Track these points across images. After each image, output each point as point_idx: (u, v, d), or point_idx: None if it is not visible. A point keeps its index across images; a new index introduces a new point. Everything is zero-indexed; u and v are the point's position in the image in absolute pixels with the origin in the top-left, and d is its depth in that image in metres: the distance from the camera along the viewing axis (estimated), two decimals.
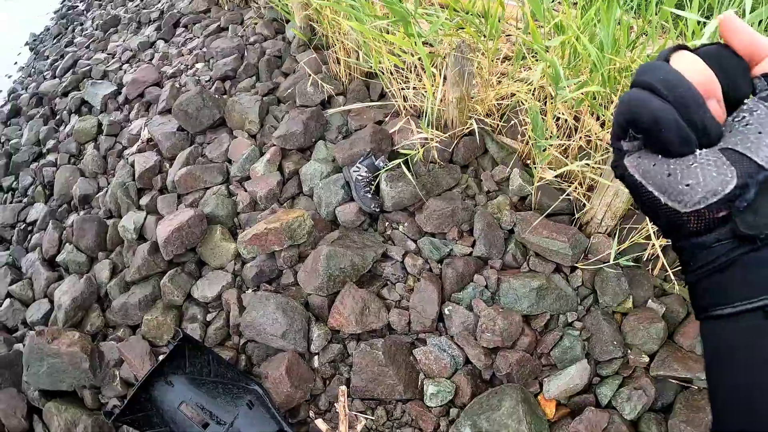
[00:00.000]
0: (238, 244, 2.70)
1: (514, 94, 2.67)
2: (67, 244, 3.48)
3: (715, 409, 0.39)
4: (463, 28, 2.54)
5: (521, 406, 2.16)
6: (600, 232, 2.44)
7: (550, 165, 2.55)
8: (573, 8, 2.46)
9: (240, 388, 2.39)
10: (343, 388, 2.35)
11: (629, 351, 2.30)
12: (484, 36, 2.52)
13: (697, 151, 0.38)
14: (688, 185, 0.38)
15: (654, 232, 2.29)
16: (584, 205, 2.47)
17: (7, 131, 6.03)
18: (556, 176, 2.47)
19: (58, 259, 3.41)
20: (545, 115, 2.45)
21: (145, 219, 3.23)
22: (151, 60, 5.21)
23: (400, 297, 2.50)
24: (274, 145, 3.08)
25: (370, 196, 2.61)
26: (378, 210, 2.62)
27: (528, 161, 2.68)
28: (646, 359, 2.28)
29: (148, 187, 3.50)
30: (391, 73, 2.94)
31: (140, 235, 3.20)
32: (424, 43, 2.72)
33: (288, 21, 3.91)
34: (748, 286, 0.36)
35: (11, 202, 4.70)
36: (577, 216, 2.52)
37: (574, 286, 2.44)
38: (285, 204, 2.91)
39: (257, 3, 4.65)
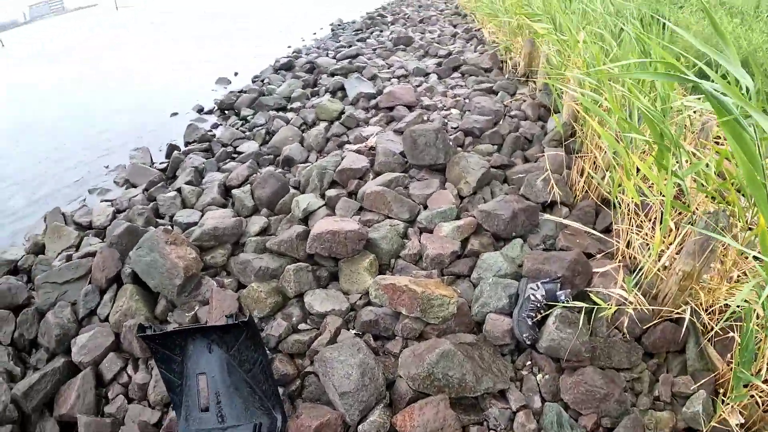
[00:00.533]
0: (373, 282, 2.43)
1: (748, 302, 2.04)
2: (248, 185, 3.58)
3: None
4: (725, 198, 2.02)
5: None
6: None
7: (742, 409, 1.87)
8: None
9: (263, 406, 2.09)
10: None
11: None
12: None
13: None
14: None
15: None
16: None
17: (273, 77, 6.86)
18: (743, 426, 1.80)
19: (234, 192, 3.52)
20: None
21: (318, 208, 3.18)
22: (417, 86, 5.35)
23: None
24: (474, 216, 2.79)
25: (530, 323, 2.16)
26: (529, 343, 2.16)
27: (723, 389, 2.01)
28: None
29: (342, 184, 3.46)
30: (629, 212, 2.47)
31: (306, 218, 3.13)
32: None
33: (556, 111, 3.64)
34: None
35: (237, 128, 5.13)
36: None
37: None
38: (446, 277, 2.59)
39: (536, 84, 4.47)
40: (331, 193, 3.29)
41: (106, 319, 2.76)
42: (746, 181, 1.61)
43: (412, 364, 2.11)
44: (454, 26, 9.27)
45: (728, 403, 1.85)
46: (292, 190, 3.45)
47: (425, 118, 4.08)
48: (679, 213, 2.35)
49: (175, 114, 6.33)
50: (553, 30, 3.80)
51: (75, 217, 3.86)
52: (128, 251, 2.89)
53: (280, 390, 2.25)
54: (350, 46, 7.95)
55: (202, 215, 3.35)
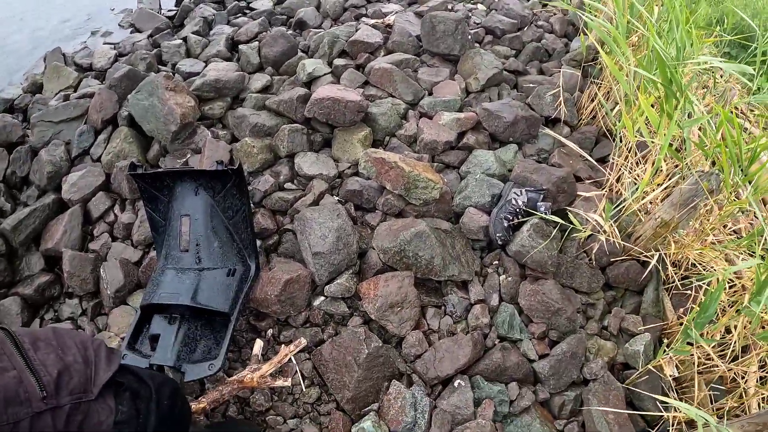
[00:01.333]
0: (363, 153, 2.46)
1: (714, 269, 2.14)
2: (256, 42, 3.48)
3: None
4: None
5: None
6: None
7: (679, 364, 2.04)
8: None
9: (239, 254, 2.17)
10: (303, 341, 2.05)
11: None
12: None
13: None
14: None
15: None
16: None
17: None
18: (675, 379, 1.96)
19: (241, 47, 3.41)
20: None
21: (323, 74, 3.12)
22: None
23: (437, 329, 2.14)
24: (475, 113, 2.77)
25: (506, 225, 2.23)
26: (500, 243, 2.25)
27: (668, 339, 2.15)
28: None
29: (351, 56, 3.36)
30: (628, 149, 2.49)
31: (309, 82, 3.09)
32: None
33: (582, 32, 3.52)
34: None
35: None
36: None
37: None
38: (436, 164, 2.61)
39: (572, 1, 4.28)
40: (339, 62, 3.21)
41: (99, 160, 2.80)
42: None
43: (387, 237, 2.19)
44: None
45: (668, 354, 1.98)
46: (300, 53, 3.36)
47: (449, 7, 3.91)
48: (676, 165, 2.38)
49: None
50: None
51: (76, 58, 3.78)
52: (127, 95, 2.89)
53: (258, 243, 2.34)
54: None
55: (206, 66, 3.27)
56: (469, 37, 3.23)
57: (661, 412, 1.92)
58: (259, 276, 2.16)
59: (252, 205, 2.40)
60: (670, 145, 2.05)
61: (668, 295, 2.27)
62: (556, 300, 2.12)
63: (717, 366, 1.94)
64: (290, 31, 3.76)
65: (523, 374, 2.05)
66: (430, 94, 3.00)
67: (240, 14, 4.19)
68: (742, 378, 1.96)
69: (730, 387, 2.02)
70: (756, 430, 1.60)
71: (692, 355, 1.95)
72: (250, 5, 4.35)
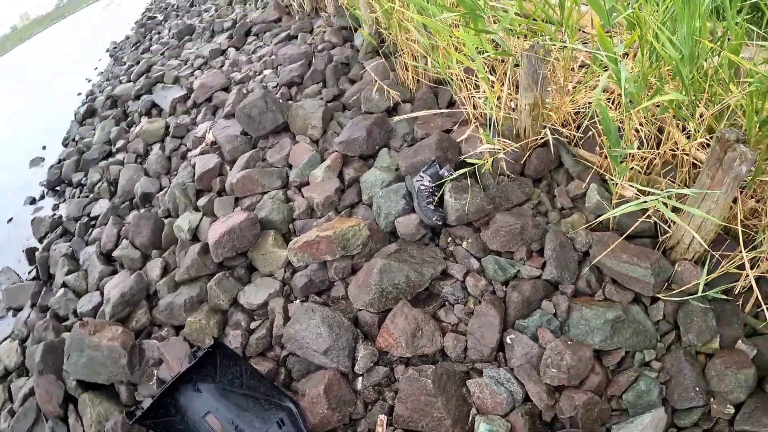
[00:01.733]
0: (288, 250, 2.57)
1: (590, 103, 2.43)
2: (124, 240, 3.49)
3: None
4: (535, 32, 2.34)
5: None
6: (686, 259, 2.13)
7: (630, 181, 2.29)
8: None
9: (272, 404, 2.22)
10: (383, 417, 2.14)
11: (712, 399, 1.97)
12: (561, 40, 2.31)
13: None
14: None
15: (748, 260, 1.97)
16: (669, 227, 2.18)
17: (81, 130, 6.31)
18: (637, 194, 2.20)
19: (115, 254, 3.42)
20: (622, 126, 2.20)
21: (200, 220, 3.19)
22: (221, 67, 5.27)
23: (458, 320, 2.28)
24: (336, 151, 2.95)
25: (432, 207, 2.42)
26: (440, 223, 2.43)
27: (607, 177, 2.42)
28: (732, 410, 1.94)
29: (207, 189, 3.46)
30: (461, 80, 2.76)
31: (194, 236, 3.15)
32: (495, 48, 2.54)
33: (356, 29, 3.82)
34: None
35: (78, 197, 4.84)
36: (661, 239, 2.23)
37: (654, 320, 2.14)
38: (343, 212, 2.76)
39: (327, 12, 4.61)
40: (202, 201, 3.30)
41: None
42: None
43: (362, 293, 2.31)
44: None
45: (616, 182, 2.23)
46: (166, 220, 3.41)
47: (245, 91, 4.10)
48: (502, 60, 2.66)
49: (10, 220, 5.73)
50: None
51: None
52: (61, 367, 2.79)
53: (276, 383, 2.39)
54: (138, 62, 7.49)
55: (101, 292, 3.24)
56: (280, 100, 3.43)
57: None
58: (301, 407, 2.21)
59: (248, 359, 2.44)
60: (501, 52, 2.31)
61: (579, 148, 2.54)
62: (513, 223, 2.33)
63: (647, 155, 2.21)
64: (143, 209, 3.80)
65: (543, 290, 2.23)
66: (291, 166, 3.15)
67: (90, 229, 4.16)
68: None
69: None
70: None
71: (632, 168, 2.21)
72: (91, 215, 4.33)
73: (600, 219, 2.27)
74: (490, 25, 2.39)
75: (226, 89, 4.56)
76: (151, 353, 2.70)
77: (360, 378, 2.27)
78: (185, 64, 6.08)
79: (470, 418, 2.10)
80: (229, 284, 2.71)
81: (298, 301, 2.57)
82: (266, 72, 4.31)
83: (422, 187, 2.45)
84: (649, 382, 2.02)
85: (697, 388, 1.96)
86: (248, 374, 2.24)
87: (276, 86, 3.98)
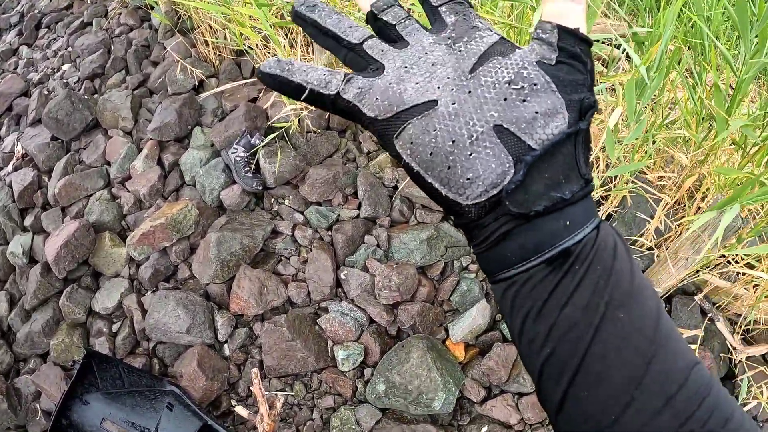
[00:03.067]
0: (127, 247, 2.62)
1: None
2: None
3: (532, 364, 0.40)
4: None
5: (429, 354, 2.23)
6: None
7: None
8: None
9: (157, 393, 2.35)
10: (255, 370, 2.34)
11: None
12: None
13: (474, 137, 0.38)
14: (468, 179, 0.37)
15: None
16: None
17: None
18: None
19: None
20: None
21: (32, 240, 3.07)
22: (15, 69, 4.85)
23: (295, 270, 2.50)
24: (151, 139, 2.96)
25: (251, 175, 2.57)
26: (261, 188, 2.59)
27: None
28: None
29: (30, 206, 3.30)
30: (260, 48, 2.87)
31: (31, 258, 3.03)
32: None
33: (153, 7, 3.72)
34: (523, 251, 0.38)
35: None
36: None
37: None
38: (170, 198, 2.82)
39: None
40: (29, 220, 3.16)
41: None
42: None
43: (205, 268, 2.45)
44: None
45: None
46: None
47: (46, 92, 3.87)
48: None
49: None
50: None
51: None
52: None
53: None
54: None
55: None
56: (85, 96, 3.32)
57: None
58: (182, 387, 2.34)
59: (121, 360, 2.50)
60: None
61: None
62: (325, 174, 2.53)
63: None
64: None
65: (363, 227, 2.52)
66: (109, 163, 3.11)
67: None
68: None
69: None
70: None
71: None
72: None
73: None
74: None
75: (26, 94, 4.24)
76: (27, 389, 2.64)
77: (225, 345, 2.45)
78: None
79: (329, 350, 2.37)
80: (79, 296, 2.70)
81: (149, 292, 2.64)
82: (65, 67, 4.07)
83: (238, 159, 2.58)
84: (469, 283, 2.40)
85: None
86: (126, 372, 2.33)
87: (78, 81, 3.79)
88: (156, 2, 3.55)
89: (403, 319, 2.34)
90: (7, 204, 3.37)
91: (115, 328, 2.64)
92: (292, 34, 2.90)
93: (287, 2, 2.51)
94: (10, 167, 3.66)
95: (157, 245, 2.55)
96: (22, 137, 3.70)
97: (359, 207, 2.54)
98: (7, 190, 3.48)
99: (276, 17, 2.57)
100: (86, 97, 3.37)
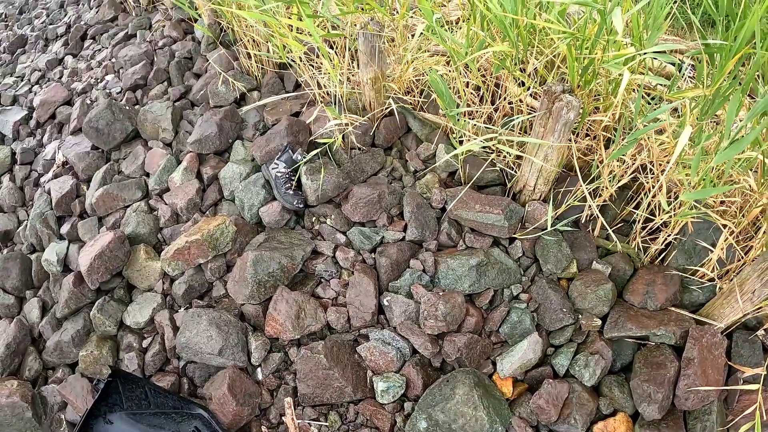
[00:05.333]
0: (161, 261, 2.53)
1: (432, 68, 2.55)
2: None
3: None
4: (363, 8, 2.42)
5: (476, 391, 2.08)
6: (534, 199, 2.36)
7: (475, 135, 2.45)
8: None
9: (184, 416, 2.25)
10: (288, 399, 2.23)
11: (580, 316, 2.24)
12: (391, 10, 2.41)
13: None
14: None
15: (590, 193, 2.22)
16: (514, 172, 2.38)
17: None
18: (483, 147, 2.37)
19: None
20: (455, 84, 2.35)
21: (68, 248, 3.03)
22: (60, 78, 4.91)
23: (335, 294, 2.38)
24: (190, 151, 2.90)
25: (291, 192, 2.47)
26: (302, 206, 2.48)
27: (453, 135, 2.57)
28: (599, 322, 2.22)
29: (67, 214, 3.28)
30: (303, 62, 2.79)
31: (65, 266, 3.00)
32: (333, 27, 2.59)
33: (196, 20, 3.70)
34: None
35: None
36: (509, 185, 2.43)
37: (515, 258, 2.35)
38: (207, 212, 2.74)
39: (164, 4, 4.40)
40: (65, 228, 3.14)
41: None
42: None
43: (241, 288, 2.35)
44: None
45: (460, 139, 2.38)
46: (33, 256, 3.22)
47: (88, 102, 3.87)
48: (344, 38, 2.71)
49: None
50: None
51: None
52: None
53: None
54: None
55: None
56: (127, 107, 3.29)
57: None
58: (211, 410, 2.24)
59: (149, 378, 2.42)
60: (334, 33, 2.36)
61: (424, 112, 2.67)
62: (370, 193, 2.43)
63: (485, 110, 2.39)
64: (5, 250, 3.56)
65: (409, 251, 2.38)
66: (148, 174, 3.06)
67: None
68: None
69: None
70: None
71: (475, 125, 2.37)
72: None
73: (457, 150, 2.42)
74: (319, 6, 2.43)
75: (69, 102, 4.27)
76: (54, 399, 2.59)
77: (259, 368, 2.34)
78: (22, 81, 5.58)
79: (368, 380, 2.24)
80: (111, 308, 2.64)
81: (182, 309, 2.55)
82: (108, 77, 4.08)
83: (279, 174, 2.48)
84: (520, 313, 2.24)
85: (564, 309, 2.20)
86: (153, 392, 2.24)
87: (120, 92, 3.78)
88: (199, 15, 3.52)
89: (449, 350, 2.19)
90: (44, 211, 3.35)
91: (145, 343, 2.56)
92: (336, 46, 2.82)
93: (333, 15, 2.43)
94: (50, 174, 3.66)
95: (192, 261, 2.46)
96: (63, 145, 3.69)
97: (405, 229, 2.41)
98: (45, 197, 3.47)
99: (323, 29, 2.48)
100: (127, 107, 3.34)
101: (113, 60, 4.30)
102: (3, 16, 9.67)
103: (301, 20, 2.28)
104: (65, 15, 6.65)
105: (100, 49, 4.87)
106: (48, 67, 5.31)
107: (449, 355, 2.21)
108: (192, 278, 2.53)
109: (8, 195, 3.90)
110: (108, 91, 3.89)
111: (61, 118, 4.13)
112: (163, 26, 4.18)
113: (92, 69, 4.54)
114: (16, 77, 5.83)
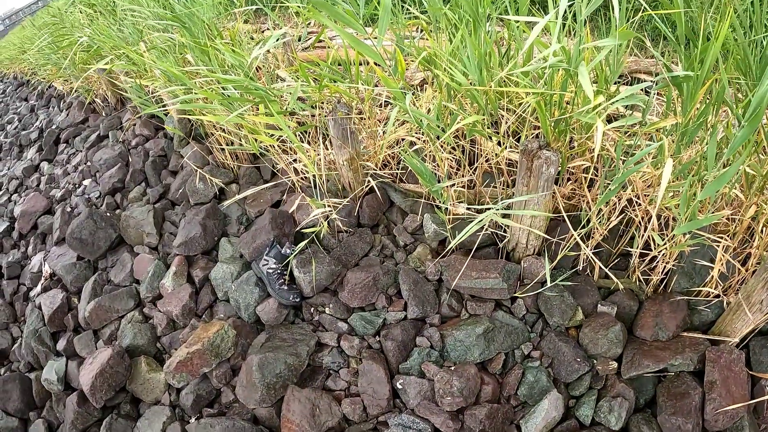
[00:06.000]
0: (165, 374, 2.47)
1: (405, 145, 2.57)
2: None
3: None
4: (326, 87, 2.43)
5: None
6: (529, 255, 2.34)
7: (459, 199, 2.44)
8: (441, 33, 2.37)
9: None
10: None
11: (595, 362, 2.20)
12: (357, 85, 2.41)
13: None
14: None
15: (581, 238, 2.20)
16: (505, 232, 2.37)
17: None
18: (467, 210, 2.36)
19: None
20: (431, 151, 2.36)
21: (66, 365, 2.97)
22: (38, 185, 4.90)
23: (347, 384, 2.33)
24: (178, 254, 2.87)
25: (286, 287, 2.43)
26: (298, 300, 2.45)
27: (436, 203, 2.57)
28: (615, 365, 2.18)
29: (61, 329, 3.22)
30: (276, 150, 2.79)
31: (66, 384, 2.94)
32: (293, 115, 2.60)
33: (163, 120, 3.72)
34: None
35: None
36: (501, 245, 2.42)
37: (519, 316, 2.32)
38: (204, 316, 2.69)
39: (132, 102, 4.43)
40: (62, 344, 3.08)
41: None
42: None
43: (251, 393, 2.29)
44: (26, 99, 8.24)
45: (444, 207, 2.36)
46: (32, 375, 3.15)
47: (69, 210, 3.85)
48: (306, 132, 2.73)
49: None
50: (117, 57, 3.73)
51: None
52: None
53: None
54: None
55: None
56: (108, 214, 3.27)
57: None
58: None
59: None
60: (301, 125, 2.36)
61: (404, 183, 2.66)
62: (364, 277, 2.40)
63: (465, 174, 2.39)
64: (2, 370, 3.48)
65: (413, 329, 2.34)
66: (138, 282, 3.03)
67: None
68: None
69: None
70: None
71: (454, 190, 2.37)
72: None
73: (448, 248, 2.40)
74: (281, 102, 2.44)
75: (50, 211, 4.25)
76: None
77: None
78: (0, 190, 5.58)
79: None
80: (120, 426, 2.56)
81: (193, 419, 2.48)
82: (85, 182, 4.08)
83: (270, 271, 2.45)
84: (535, 372, 2.20)
85: (578, 359, 2.16)
86: None
87: (99, 196, 3.77)
88: (166, 114, 3.54)
89: (471, 425, 2.13)
90: (38, 327, 3.29)
91: None
92: (309, 134, 2.83)
93: (301, 107, 2.44)
94: (39, 288, 3.61)
95: (196, 372, 2.40)
96: (48, 257, 3.65)
97: (405, 307, 2.38)
98: (37, 312, 3.41)
99: (292, 121, 2.50)
100: (108, 213, 3.32)
101: (89, 164, 4.29)
102: None
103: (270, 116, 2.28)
104: (37, 119, 6.69)
105: (74, 153, 4.87)
106: (25, 174, 5.30)
107: (472, 429, 2.15)
108: (198, 387, 2.46)
109: None
110: (87, 196, 3.87)
111: (43, 228, 4.10)
112: (134, 125, 4.19)
113: (69, 174, 4.53)
114: None
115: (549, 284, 2.13)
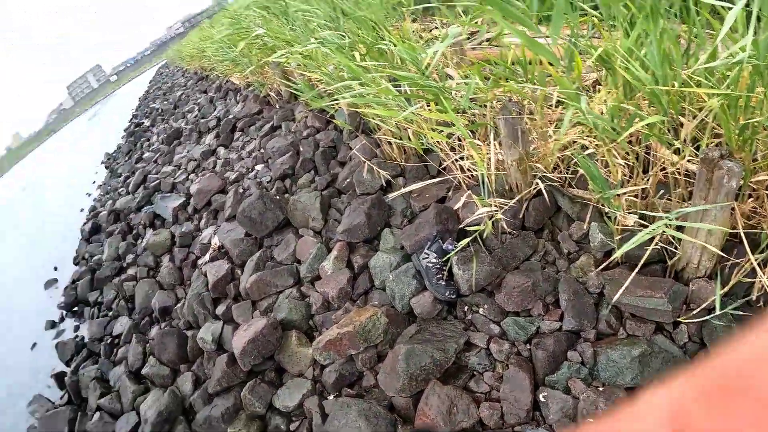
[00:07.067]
0: (313, 350, 2.60)
1: (575, 146, 2.50)
2: (150, 356, 3.54)
3: None
4: (500, 87, 2.44)
5: None
6: (699, 277, 2.15)
7: (629, 210, 2.32)
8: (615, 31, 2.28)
9: None
10: None
11: None
12: (530, 84, 2.40)
13: None
14: None
15: (758, 264, 1.98)
16: (676, 249, 2.20)
17: (90, 248, 6.40)
18: (637, 221, 2.24)
19: (144, 371, 3.46)
20: (603, 155, 2.26)
21: (222, 329, 3.23)
22: (214, 167, 5.42)
23: (489, 388, 2.29)
24: (340, 240, 3.02)
25: (443, 283, 2.46)
26: (454, 296, 2.46)
27: (605, 211, 2.46)
28: None
29: (222, 296, 3.52)
30: (443, 147, 2.85)
31: (219, 345, 3.19)
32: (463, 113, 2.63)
33: (332, 116, 3.95)
34: None
35: (98, 317, 4.90)
36: (670, 263, 2.25)
37: (680, 344, 2.14)
38: (358, 301, 2.80)
39: (304, 96, 4.77)
40: (221, 309, 3.36)
41: None
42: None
43: (392, 381, 2.33)
44: (205, 92, 9.24)
45: (612, 216, 2.27)
46: (189, 333, 3.47)
47: (241, 191, 4.22)
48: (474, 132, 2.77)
49: (34, 345, 5.73)
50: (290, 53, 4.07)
51: None
52: None
53: None
54: (134, 173, 7.68)
55: (137, 412, 3.27)
56: (277, 196, 3.53)
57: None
58: None
59: None
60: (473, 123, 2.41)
61: (573, 188, 2.59)
62: (524, 281, 2.34)
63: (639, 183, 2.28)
64: (163, 324, 3.86)
65: (566, 342, 2.23)
66: (299, 262, 3.22)
67: (114, 348, 4.20)
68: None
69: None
70: None
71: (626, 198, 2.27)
72: (113, 334, 4.38)
73: (613, 257, 2.29)
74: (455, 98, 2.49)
75: (223, 191, 4.69)
76: None
77: None
78: (179, 169, 6.25)
79: None
80: (262, 390, 2.74)
81: (332, 396, 2.58)
82: (258, 167, 4.45)
83: (429, 265, 2.50)
84: None
85: None
86: None
87: (270, 180, 4.09)
88: (336, 109, 3.75)
89: None
90: (201, 292, 3.62)
91: (293, 427, 2.60)
92: (476, 133, 2.86)
93: (471, 105, 2.47)
94: (207, 257, 3.97)
95: (343, 352, 2.50)
96: (218, 231, 4.02)
97: (561, 318, 2.29)
98: (202, 279, 3.75)
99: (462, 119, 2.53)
100: (278, 197, 3.59)
101: (262, 151, 4.69)
102: (160, 111, 11.00)
103: (443, 112, 2.34)
104: (215, 109, 7.42)
105: (249, 140, 5.34)
106: (203, 157, 5.89)
107: None
108: (342, 367, 2.56)
109: (168, 274, 4.27)
110: (259, 180, 4.22)
111: (216, 205, 4.53)
112: (306, 117, 4.51)
113: (243, 159, 4.97)
114: (174, 166, 6.52)
115: (717, 312, 1.95)
